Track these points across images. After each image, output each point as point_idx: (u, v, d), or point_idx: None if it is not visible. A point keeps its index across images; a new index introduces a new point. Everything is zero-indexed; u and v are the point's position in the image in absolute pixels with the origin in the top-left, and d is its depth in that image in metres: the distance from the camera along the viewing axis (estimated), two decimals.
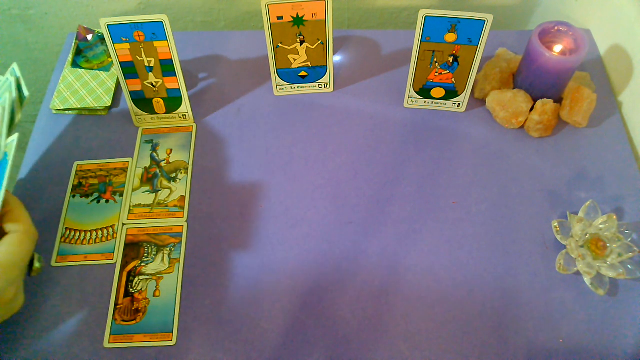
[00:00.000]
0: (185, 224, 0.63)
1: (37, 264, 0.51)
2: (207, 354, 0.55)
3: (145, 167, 0.68)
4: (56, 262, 0.61)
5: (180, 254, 0.61)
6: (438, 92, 0.70)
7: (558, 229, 0.60)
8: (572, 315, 0.56)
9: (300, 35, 0.67)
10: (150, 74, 0.67)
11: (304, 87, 0.74)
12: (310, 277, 0.59)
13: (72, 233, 0.63)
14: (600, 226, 0.59)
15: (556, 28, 0.66)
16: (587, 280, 0.58)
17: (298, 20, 0.66)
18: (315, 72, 0.72)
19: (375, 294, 0.58)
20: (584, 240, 0.59)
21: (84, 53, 0.75)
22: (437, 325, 0.56)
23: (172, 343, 0.55)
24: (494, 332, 0.56)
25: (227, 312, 0.57)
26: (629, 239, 0.58)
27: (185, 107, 0.70)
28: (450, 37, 0.64)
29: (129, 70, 0.66)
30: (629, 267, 0.57)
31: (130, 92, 0.68)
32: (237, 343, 0.55)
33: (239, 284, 0.59)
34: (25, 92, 0.52)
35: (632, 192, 0.64)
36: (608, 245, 0.58)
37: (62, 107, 0.72)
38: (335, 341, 0.55)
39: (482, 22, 0.62)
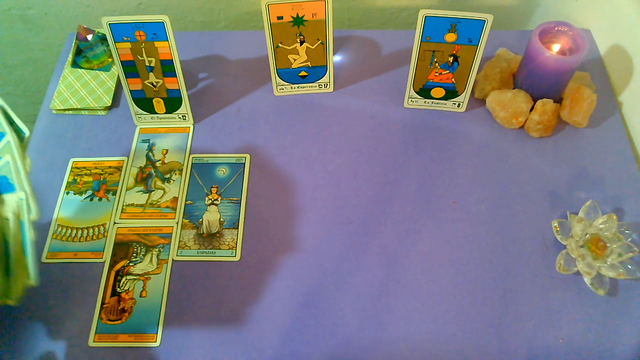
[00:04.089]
0: (177, 225, 0.62)
1: None
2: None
3: (141, 167, 0.68)
4: (46, 259, 0.61)
5: (169, 255, 0.61)
6: (438, 92, 0.70)
7: (558, 229, 0.60)
8: (572, 315, 0.56)
9: (300, 35, 0.67)
10: (151, 73, 0.67)
11: (304, 87, 0.74)
12: (310, 277, 0.59)
13: (64, 230, 0.63)
14: (600, 226, 0.59)
15: (556, 28, 0.66)
16: (587, 280, 0.58)
17: (298, 20, 0.66)
18: (315, 72, 0.72)
19: (375, 294, 0.58)
20: (584, 240, 0.59)
21: (84, 53, 0.75)
22: (437, 326, 0.56)
23: (156, 344, 0.55)
24: (494, 332, 0.56)
25: (226, 313, 0.57)
26: (629, 239, 0.58)
27: (185, 108, 0.70)
28: (450, 37, 0.64)
29: (130, 69, 0.66)
30: (629, 267, 0.57)
31: (130, 91, 0.68)
32: (237, 343, 0.55)
33: (239, 284, 0.59)
34: (24, 130, 0.46)
35: (632, 192, 0.64)
36: (608, 245, 0.58)
37: (62, 107, 0.72)
38: (335, 341, 0.55)
39: (482, 22, 0.62)
